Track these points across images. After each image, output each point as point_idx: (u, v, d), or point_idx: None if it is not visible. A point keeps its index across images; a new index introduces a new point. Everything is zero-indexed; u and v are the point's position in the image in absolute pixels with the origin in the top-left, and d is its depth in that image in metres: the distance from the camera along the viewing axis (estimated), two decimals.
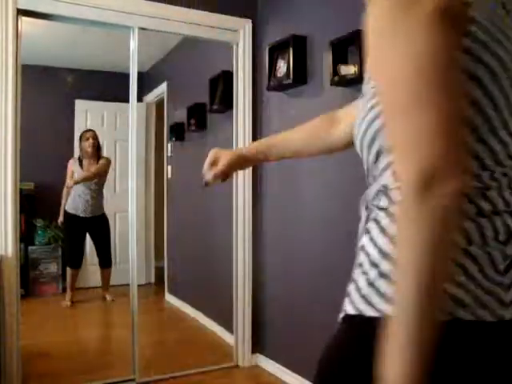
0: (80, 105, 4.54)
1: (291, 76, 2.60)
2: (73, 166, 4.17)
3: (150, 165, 4.89)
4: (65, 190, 4.16)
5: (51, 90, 4.34)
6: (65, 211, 4.15)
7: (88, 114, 4.59)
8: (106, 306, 4.18)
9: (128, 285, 2.83)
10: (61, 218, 4.18)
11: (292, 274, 2.76)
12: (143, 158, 4.59)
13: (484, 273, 0.61)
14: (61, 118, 4.43)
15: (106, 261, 4.26)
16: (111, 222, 4.44)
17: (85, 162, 4.17)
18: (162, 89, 4.56)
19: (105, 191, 4.41)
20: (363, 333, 0.66)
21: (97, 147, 4.21)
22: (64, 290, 4.36)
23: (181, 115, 4.12)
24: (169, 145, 4.55)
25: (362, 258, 0.71)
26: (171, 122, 4.39)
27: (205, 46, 3.33)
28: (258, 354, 3.04)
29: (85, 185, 4.14)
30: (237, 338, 3.03)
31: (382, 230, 0.68)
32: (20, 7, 2.39)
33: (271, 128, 2.95)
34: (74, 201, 4.13)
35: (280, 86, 2.75)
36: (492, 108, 0.63)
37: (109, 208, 4.40)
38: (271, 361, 2.92)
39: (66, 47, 4.04)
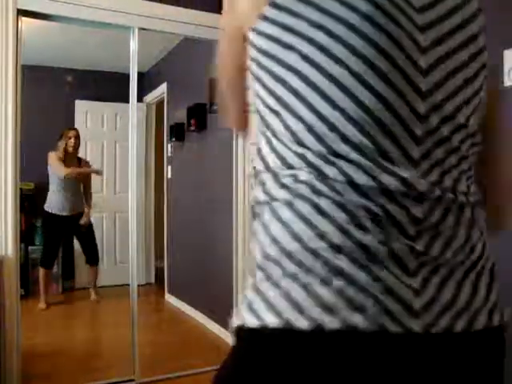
0: (80, 105, 4.54)
1: None
2: (57, 161, 4.03)
3: (150, 165, 4.90)
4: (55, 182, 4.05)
5: (51, 90, 4.34)
6: (44, 211, 4.06)
7: (88, 114, 4.60)
8: (105, 306, 4.18)
9: (128, 285, 2.83)
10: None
11: None
12: (143, 158, 4.60)
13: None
14: (61, 118, 4.43)
15: (92, 258, 4.22)
16: (111, 222, 4.45)
17: (65, 160, 4.06)
18: (162, 89, 4.57)
19: (105, 191, 4.41)
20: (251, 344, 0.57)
21: (77, 147, 4.14)
22: (64, 290, 4.37)
23: (181, 115, 4.12)
24: (169, 145, 4.55)
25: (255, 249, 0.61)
26: (171, 122, 4.39)
27: (205, 46, 3.33)
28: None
29: (65, 184, 4.06)
30: None
31: (264, 227, 0.59)
32: (20, 7, 2.38)
33: None
34: (53, 200, 4.05)
35: None
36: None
37: (109, 208, 4.40)
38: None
39: (66, 47, 4.04)
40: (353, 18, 0.55)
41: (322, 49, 0.55)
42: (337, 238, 0.53)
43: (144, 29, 2.73)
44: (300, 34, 0.56)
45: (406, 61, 0.56)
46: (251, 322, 0.55)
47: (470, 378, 0.56)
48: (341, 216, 0.53)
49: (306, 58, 0.56)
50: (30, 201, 4.15)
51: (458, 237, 0.57)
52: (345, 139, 0.54)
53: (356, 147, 0.54)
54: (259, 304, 0.55)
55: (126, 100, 2.81)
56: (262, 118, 0.62)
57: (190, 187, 4.16)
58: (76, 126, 4.45)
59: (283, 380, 0.52)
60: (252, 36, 0.61)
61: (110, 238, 4.51)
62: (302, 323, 0.51)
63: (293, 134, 0.57)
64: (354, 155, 0.54)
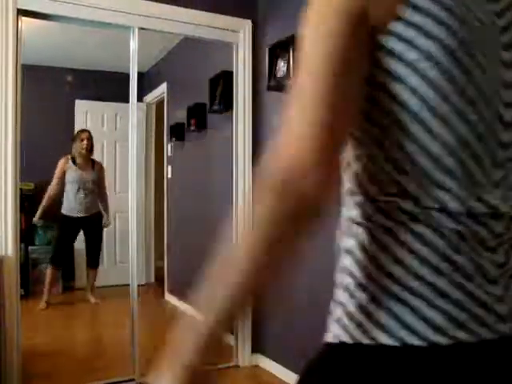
0: (80, 105, 4.54)
1: (291, 76, 2.61)
2: (65, 166, 4.10)
3: (150, 165, 4.89)
4: (51, 189, 4.09)
5: (51, 90, 4.34)
6: (61, 213, 4.10)
7: (88, 114, 4.60)
8: (105, 306, 4.18)
9: (128, 285, 2.83)
10: (36, 218, 4.11)
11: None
12: (143, 158, 4.60)
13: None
14: (61, 118, 4.43)
15: (94, 261, 4.24)
16: (111, 222, 4.44)
17: (78, 161, 4.13)
18: (162, 89, 4.57)
19: (107, 192, 4.41)
20: (362, 362, 0.61)
21: (90, 148, 4.17)
22: (65, 290, 4.37)
23: (181, 115, 4.12)
24: (169, 145, 4.55)
25: (347, 279, 0.65)
26: (171, 122, 4.39)
27: (205, 46, 3.34)
28: (258, 354, 3.04)
29: (80, 183, 4.11)
30: (237, 338, 3.03)
31: (363, 249, 0.63)
32: (20, 7, 2.39)
33: (271, 128, 2.96)
34: (68, 201, 4.10)
35: (280, 86, 2.75)
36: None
37: (109, 208, 4.40)
38: (271, 361, 2.92)
39: (66, 47, 4.04)
40: (453, 46, 0.57)
41: (429, 83, 0.57)
42: (437, 262, 0.58)
43: (144, 29, 2.73)
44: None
45: (493, 94, 0.60)
46: (378, 336, 0.59)
47: None
48: (439, 242, 0.58)
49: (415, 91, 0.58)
50: (29, 201, 4.14)
51: None
52: (443, 169, 0.58)
53: (452, 175, 0.58)
54: (368, 324, 0.60)
55: (126, 100, 2.81)
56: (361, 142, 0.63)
57: (189, 187, 4.16)
58: (76, 125, 4.45)
59: None
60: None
61: (110, 238, 4.51)
62: (416, 342, 0.57)
63: (395, 161, 0.60)
64: (449, 183, 0.58)
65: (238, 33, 2.96)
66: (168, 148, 4.57)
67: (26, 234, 4.06)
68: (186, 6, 2.78)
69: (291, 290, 2.76)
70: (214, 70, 3.38)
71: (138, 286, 2.87)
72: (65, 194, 4.11)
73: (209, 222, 3.70)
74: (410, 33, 0.56)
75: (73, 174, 4.11)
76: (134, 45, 2.76)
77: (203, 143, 3.90)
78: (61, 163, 4.11)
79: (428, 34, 0.56)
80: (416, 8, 0.56)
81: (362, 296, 0.61)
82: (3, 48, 2.35)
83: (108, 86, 4.27)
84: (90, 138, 4.16)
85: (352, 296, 0.62)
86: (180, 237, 4.36)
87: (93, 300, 4.18)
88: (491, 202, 0.59)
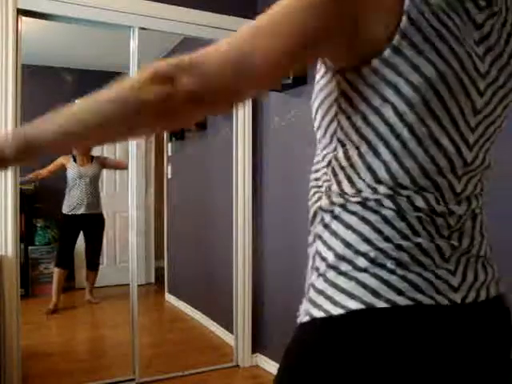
0: None
1: (291, 76, 2.61)
2: (64, 160, 4.08)
3: (150, 165, 4.90)
4: (37, 175, 4.05)
5: (51, 90, 4.34)
6: (61, 213, 4.08)
7: None
8: (105, 306, 4.18)
9: (128, 285, 2.83)
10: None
11: (292, 274, 2.76)
12: (143, 157, 4.60)
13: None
14: None
15: (95, 263, 4.23)
16: (111, 222, 4.44)
17: (78, 158, 4.12)
18: None
19: (105, 191, 4.41)
20: (336, 333, 0.69)
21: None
22: (64, 289, 4.36)
23: None
24: (169, 145, 4.55)
25: (317, 263, 0.74)
26: None
27: (205, 46, 3.33)
28: (258, 354, 3.04)
29: (81, 180, 4.10)
30: (237, 338, 3.03)
31: (334, 234, 0.73)
32: (20, 7, 2.39)
33: (271, 128, 2.96)
34: (70, 198, 4.07)
35: (280, 86, 2.75)
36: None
37: (109, 208, 4.40)
38: (271, 361, 2.92)
39: (66, 47, 4.04)
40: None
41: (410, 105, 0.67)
42: (398, 240, 0.69)
43: (144, 29, 2.73)
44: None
45: (463, 119, 0.70)
46: (338, 311, 0.68)
47: (494, 334, 0.75)
48: (401, 224, 0.69)
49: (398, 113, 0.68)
50: (29, 201, 4.15)
51: (476, 236, 0.76)
52: (412, 180, 0.70)
53: (418, 185, 0.70)
54: (339, 295, 0.69)
55: None
56: (343, 144, 0.73)
57: (189, 187, 4.17)
58: None
59: (382, 347, 0.66)
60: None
61: (110, 238, 4.51)
62: (381, 304, 0.67)
63: (370, 169, 0.71)
64: (416, 190, 0.70)
65: None
66: (168, 148, 4.57)
67: (26, 234, 4.06)
68: (186, 6, 2.78)
69: (291, 291, 2.76)
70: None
71: (138, 286, 2.87)
72: (66, 192, 4.08)
73: (209, 222, 3.70)
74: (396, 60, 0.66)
75: (74, 171, 4.10)
76: (133, 45, 2.76)
77: (203, 143, 3.90)
78: (61, 157, 4.10)
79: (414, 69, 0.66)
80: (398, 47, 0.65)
81: (331, 273, 0.71)
82: (3, 48, 2.35)
83: (108, 85, 4.27)
84: None
85: (323, 275, 0.72)
86: (180, 237, 4.36)
87: (93, 300, 4.18)
88: (451, 207, 0.72)
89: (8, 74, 2.36)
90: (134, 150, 2.84)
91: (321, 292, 0.71)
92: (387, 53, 0.64)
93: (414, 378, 0.66)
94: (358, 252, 0.70)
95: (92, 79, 4.46)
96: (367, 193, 0.71)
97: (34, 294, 4.22)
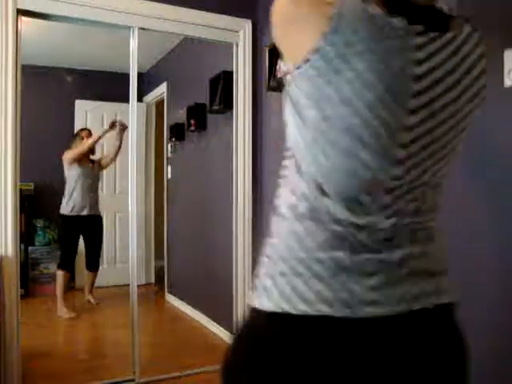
0: (80, 105, 4.54)
1: None
2: (72, 151, 4.06)
3: (150, 165, 4.89)
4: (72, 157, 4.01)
5: (51, 90, 4.34)
6: (61, 214, 4.04)
7: (88, 114, 4.60)
8: (105, 306, 4.18)
9: (128, 285, 2.83)
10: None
11: None
12: (143, 158, 4.60)
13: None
14: (61, 118, 4.43)
15: (95, 264, 4.21)
16: (111, 222, 4.44)
17: (81, 160, 4.09)
18: (162, 89, 4.57)
19: (105, 191, 4.41)
20: (259, 326, 0.78)
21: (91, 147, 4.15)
22: (64, 290, 4.36)
23: (181, 115, 4.12)
24: (169, 145, 4.55)
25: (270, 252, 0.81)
26: (171, 122, 4.39)
27: (205, 46, 3.34)
28: None
29: (84, 181, 4.08)
30: None
31: (271, 232, 0.82)
32: (20, 7, 2.38)
33: (271, 128, 2.96)
34: (72, 200, 4.05)
35: (280, 86, 2.75)
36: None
37: (109, 208, 4.40)
38: None
39: (66, 47, 4.04)
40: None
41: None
42: (316, 251, 0.74)
43: (144, 29, 2.73)
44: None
45: (390, 137, 0.72)
46: (263, 306, 0.76)
47: (410, 348, 0.76)
48: (320, 236, 0.74)
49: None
50: (29, 201, 4.14)
51: (414, 249, 0.77)
52: (334, 192, 0.74)
53: (340, 197, 0.74)
54: (264, 294, 0.76)
55: (126, 100, 2.81)
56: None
57: (190, 187, 4.17)
58: (76, 125, 4.45)
59: (284, 353, 0.73)
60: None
61: (110, 238, 4.51)
62: (292, 311, 0.73)
63: (301, 179, 0.77)
64: (338, 202, 0.74)
65: (238, 33, 2.96)
66: (168, 148, 4.57)
67: (25, 234, 4.06)
68: (185, 6, 2.78)
69: None
70: (214, 70, 3.38)
71: (138, 286, 2.87)
72: (68, 193, 4.04)
73: (209, 222, 3.70)
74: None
75: (77, 172, 4.09)
76: (134, 45, 2.76)
77: (203, 143, 3.90)
78: (69, 151, 4.05)
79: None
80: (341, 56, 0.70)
81: (262, 270, 0.79)
82: (3, 48, 2.35)
83: (108, 85, 4.27)
84: (90, 136, 4.15)
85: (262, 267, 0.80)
86: (180, 237, 4.36)
87: (92, 301, 4.17)
88: (377, 221, 0.74)
89: (8, 74, 2.36)
90: (133, 150, 2.84)
91: (258, 282, 0.79)
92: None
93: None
94: (281, 257, 0.76)
95: (92, 79, 4.46)
96: (296, 200, 0.77)
97: (33, 294, 4.22)
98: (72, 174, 4.08)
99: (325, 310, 0.71)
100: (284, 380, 0.72)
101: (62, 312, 3.89)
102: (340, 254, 0.72)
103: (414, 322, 0.74)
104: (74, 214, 4.05)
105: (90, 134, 4.17)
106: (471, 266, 1.65)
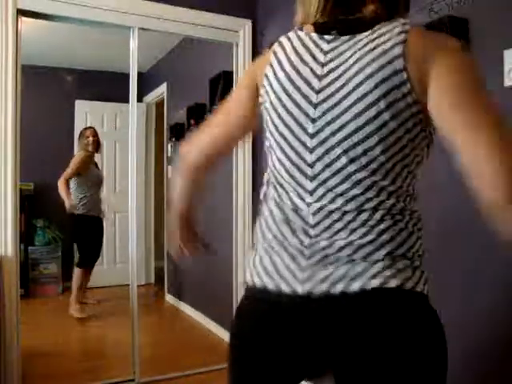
0: (80, 105, 4.54)
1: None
2: (87, 159, 4.02)
3: (150, 165, 4.89)
4: (66, 179, 3.91)
5: (51, 90, 4.34)
6: (75, 213, 3.97)
7: (88, 114, 4.60)
8: (105, 306, 4.18)
9: (128, 285, 2.83)
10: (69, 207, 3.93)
11: None
12: (143, 158, 4.60)
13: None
14: (61, 118, 4.43)
15: (93, 263, 4.21)
16: (111, 222, 4.44)
17: (94, 163, 4.12)
18: (162, 89, 4.57)
19: (105, 191, 4.40)
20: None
21: (97, 144, 4.14)
22: (64, 290, 4.36)
23: (181, 115, 4.12)
24: (169, 145, 4.55)
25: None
26: (171, 122, 4.39)
27: (205, 46, 3.33)
28: None
29: (94, 184, 4.07)
30: None
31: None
32: (20, 7, 2.38)
33: None
34: (90, 201, 4.01)
35: None
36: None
37: (109, 208, 4.40)
38: None
39: (66, 47, 4.04)
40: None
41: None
42: (264, 230, 0.96)
43: (144, 29, 2.73)
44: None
45: (298, 156, 0.89)
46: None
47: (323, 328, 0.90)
48: (266, 216, 0.96)
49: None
50: (29, 201, 4.14)
51: (341, 233, 0.85)
52: (274, 177, 0.95)
53: (277, 181, 0.94)
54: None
55: (126, 100, 2.81)
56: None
57: None
58: (76, 126, 4.45)
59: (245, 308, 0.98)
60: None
61: (110, 238, 4.51)
62: (250, 282, 0.96)
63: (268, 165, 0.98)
64: (276, 185, 0.94)
65: (238, 33, 2.96)
66: (168, 148, 4.57)
67: (25, 234, 4.06)
68: (185, 6, 2.78)
69: None
70: (214, 70, 3.38)
71: (138, 286, 2.87)
72: (87, 195, 4.00)
73: (209, 222, 3.70)
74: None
75: (94, 174, 4.08)
76: (133, 45, 2.76)
77: None
78: (80, 155, 4.02)
79: (266, 105, 0.94)
80: (264, 86, 0.95)
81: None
82: (3, 48, 2.35)
83: (108, 85, 4.27)
84: (95, 135, 4.12)
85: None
86: None
87: (91, 301, 4.16)
88: (302, 204, 0.89)
89: (8, 75, 2.36)
90: (134, 150, 2.83)
91: None
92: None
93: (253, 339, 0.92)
94: (256, 235, 0.98)
95: (92, 80, 4.46)
96: (265, 187, 0.98)
97: (33, 294, 4.22)
98: (91, 176, 4.06)
99: (268, 282, 0.91)
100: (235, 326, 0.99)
101: (75, 311, 3.86)
102: (276, 233, 0.92)
103: (329, 303, 0.84)
104: (90, 214, 4.02)
105: (94, 132, 4.14)
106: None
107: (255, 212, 3.04)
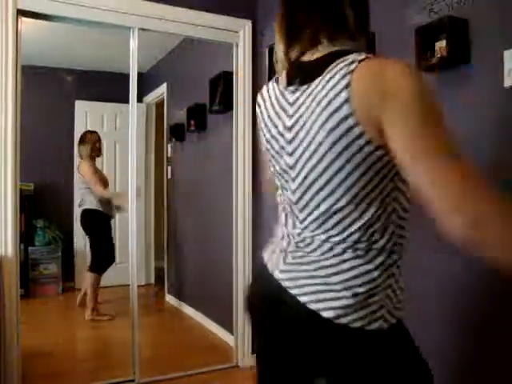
0: (80, 105, 4.55)
1: None
2: (93, 176, 3.94)
3: (150, 165, 4.90)
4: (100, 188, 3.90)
5: (51, 90, 4.34)
6: (94, 210, 3.94)
7: (88, 114, 4.60)
8: (105, 306, 4.18)
9: (128, 285, 2.83)
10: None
11: None
12: (143, 158, 4.60)
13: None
14: (61, 118, 4.44)
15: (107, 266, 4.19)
16: (111, 222, 4.44)
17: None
18: (162, 89, 4.57)
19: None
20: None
21: (99, 151, 4.12)
22: (64, 290, 4.37)
23: (181, 116, 4.13)
24: (169, 145, 4.55)
25: None
26: (171, 122, 4.39)
27: (205, 47, 3.34)
28: None
29: (104, 186, 4.02)
30: (237, 338, 3.02)
31: None
32: (20, 7, 2.39)
33: None
34: (104, 201, 3.97)
35: None
36: None
37: None
38: None
39: (66, 47, 4.04)
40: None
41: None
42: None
43: (144, 29, 2.73)
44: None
45: (284, 182, 1.01)
46: None
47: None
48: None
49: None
50: (29, 201, 4.15)
51: (308, 250, 0.96)
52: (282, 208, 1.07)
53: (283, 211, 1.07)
54: None
55: (126, 100, 2.81)
56: None
57: (189, 187, 4.17)
58: (76, 126, 4.46)
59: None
60: None
61: None
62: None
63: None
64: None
65: (238, 33, 2.97)
66: (168, 148, 4.57)
67: (25, 234, 4.06)
68: (186, 7, 2.78)
69: None
70: (214, 70, 3.38)
71: (138, 286, 2.87)
72: (86, 194, 3.96)
73: (209, 222, 3.70)
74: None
75: (100, 176, 4.04)
76: (133, 45, 2.76)
77: (203, 144, 3.90)
78: (89, 164, 3.96)
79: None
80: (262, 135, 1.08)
81: None
82: (3, 48, 2.35)
83: (108, 86, 4.27)
84: (100, 139, 4.09)
85: None
86: (180, 237, 4.36)
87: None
88: (298, 233, 0.99)
89: (8, 75, 2.36)
90: (134, 150, 2.83)
91: None
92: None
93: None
94: None
95: (92, 80, 4.47)
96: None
97: (33, 294, 4.22)
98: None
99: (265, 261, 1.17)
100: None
101: (93, 315, 3.83)
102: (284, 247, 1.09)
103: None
104: (104, 211, 3.98)
105: (98, 137, 4.08)
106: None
107: (255, 212, 3.04)
